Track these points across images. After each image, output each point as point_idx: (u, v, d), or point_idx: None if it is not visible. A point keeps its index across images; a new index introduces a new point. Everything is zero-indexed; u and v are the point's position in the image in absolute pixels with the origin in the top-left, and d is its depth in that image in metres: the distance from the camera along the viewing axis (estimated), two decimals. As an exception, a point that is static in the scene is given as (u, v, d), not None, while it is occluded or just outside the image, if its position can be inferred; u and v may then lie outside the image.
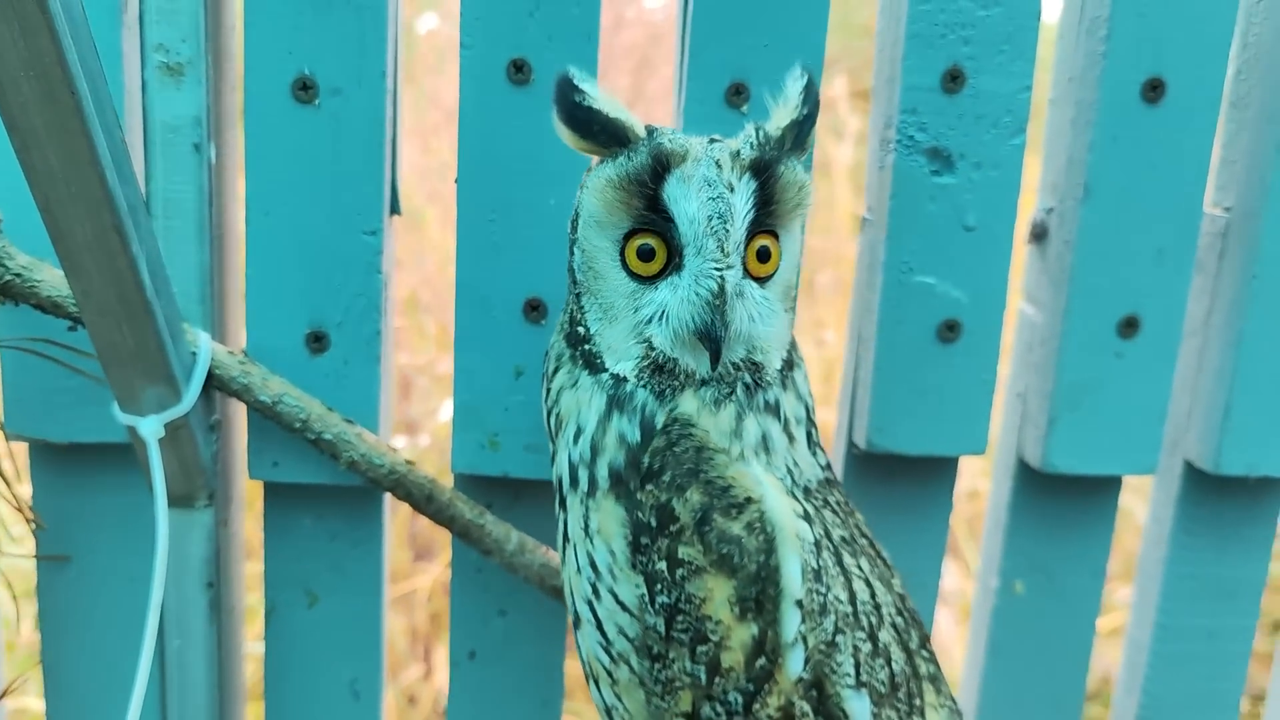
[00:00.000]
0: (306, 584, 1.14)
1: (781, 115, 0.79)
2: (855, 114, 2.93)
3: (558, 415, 0.86)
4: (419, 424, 2.57)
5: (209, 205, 1.01)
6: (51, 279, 0.93)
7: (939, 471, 1.16)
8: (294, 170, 1.00)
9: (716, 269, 0.75)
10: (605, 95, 0.77)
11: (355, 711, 1.18)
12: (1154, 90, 1.04)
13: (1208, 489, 1.20)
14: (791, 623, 0.77)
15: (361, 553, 1.14)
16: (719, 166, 0.76)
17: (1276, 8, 1.06)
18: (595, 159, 0.82)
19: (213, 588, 1.07)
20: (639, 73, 3.17)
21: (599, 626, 0.82)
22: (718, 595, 0.76)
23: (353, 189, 1.01)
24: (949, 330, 1.07)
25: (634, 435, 0.80)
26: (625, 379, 0.81)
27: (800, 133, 0.80)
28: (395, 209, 1.07)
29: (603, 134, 0.78)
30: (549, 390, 0.87)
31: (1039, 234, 1.14)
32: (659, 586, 0.77)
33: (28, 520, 1.07)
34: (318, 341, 1.04)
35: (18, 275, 0.92)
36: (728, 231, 0.75)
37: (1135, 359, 1.10)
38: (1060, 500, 1.20)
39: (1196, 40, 1.04)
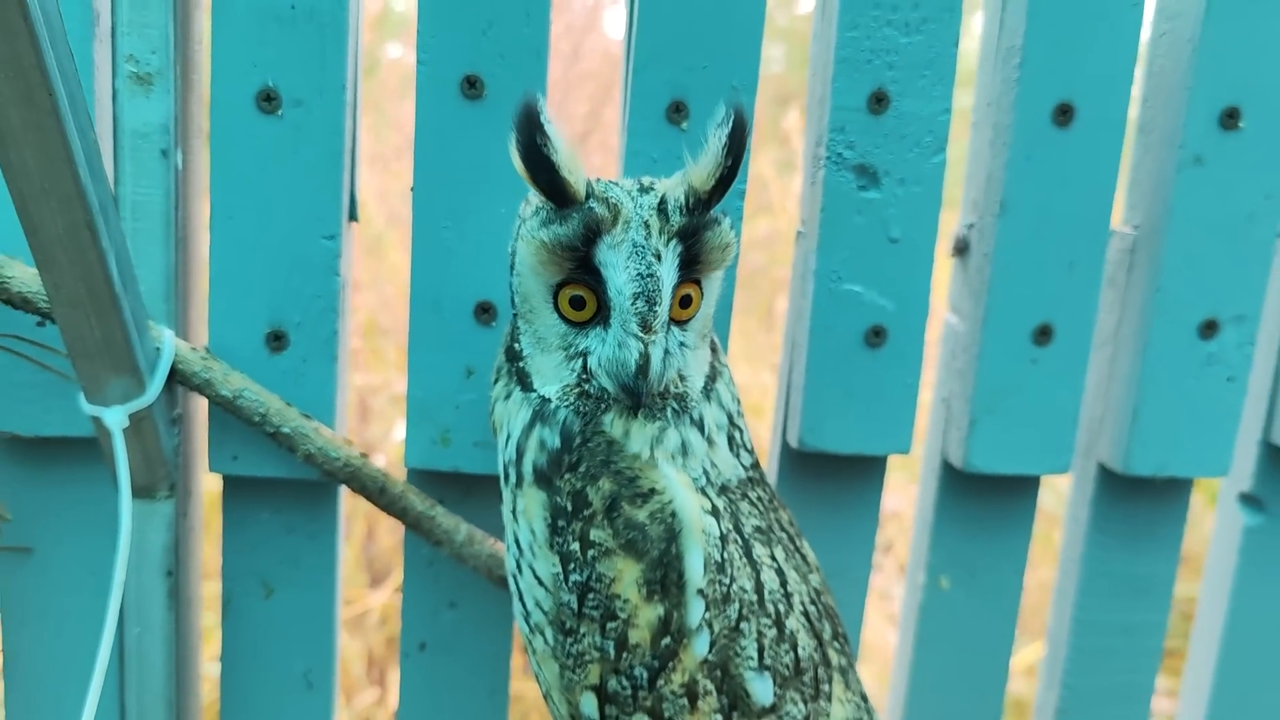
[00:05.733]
0: (263, 576, 1.19)
1: (708, 173, 0.79)
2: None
3: (494, 422, 0.92)
4: (376, 445, 2.61)
5: (175, 209, 1.06)
6: (21, 275, 0.98)
7: (868, 470, 1.22)
8: (257, 177, 1.05)
9: (639, 342, 0.79)
10: (564, 144, 0.77)
11: (309, 702, 1.22)
12: (1064, 114, 1.12)
13: (1120, 489, 1.27)
14: (696, 610, 0.83)
15: (317, 545, 1.18)
16: (647, 230, 0.79)
17: (1177, 42, 1.15)
18: (532, 196, 0.84)
19: (172, 576, 1.11)
20: (597, 100, 3.24)
21: (520, 599, 0.88)
22: (626, 576, 0.82)
23: (313, 195, 1.06)
24: (875, 336, 1.14)
25: (554, 441, 0.86)
26: (549, 399, 0.86)
27: (729, 175, 0.80)
28: (353, 215, 1.13)
29: (546, 183, 0.79)
30: (490, 396, 0.93)
31: (961, 248, 1.21)
32: (572, 565, 0.83)
33: (-7, 512, 1.11)
34: (277, 340, 1.09)
35: (-11, 271, 0.97)
36: (655, 313, 0.79)
37: (1049, 365, 1.18)
38: (982, 500, 1.27)
39: (1103, 69, 1.12)
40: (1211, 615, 1.36)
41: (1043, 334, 1.17)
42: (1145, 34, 1.16)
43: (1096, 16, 1.10)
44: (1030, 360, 1.18)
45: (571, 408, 0.85)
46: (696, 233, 0.80)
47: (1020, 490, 1.27)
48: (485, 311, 1.09)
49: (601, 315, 0.83)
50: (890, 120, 1.10)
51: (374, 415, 2.74)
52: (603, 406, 0.85)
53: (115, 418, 0.97)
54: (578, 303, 0.83)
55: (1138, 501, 1.28)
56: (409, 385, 1.11)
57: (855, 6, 1.08)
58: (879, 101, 1.10)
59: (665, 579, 0.82)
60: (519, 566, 0.88)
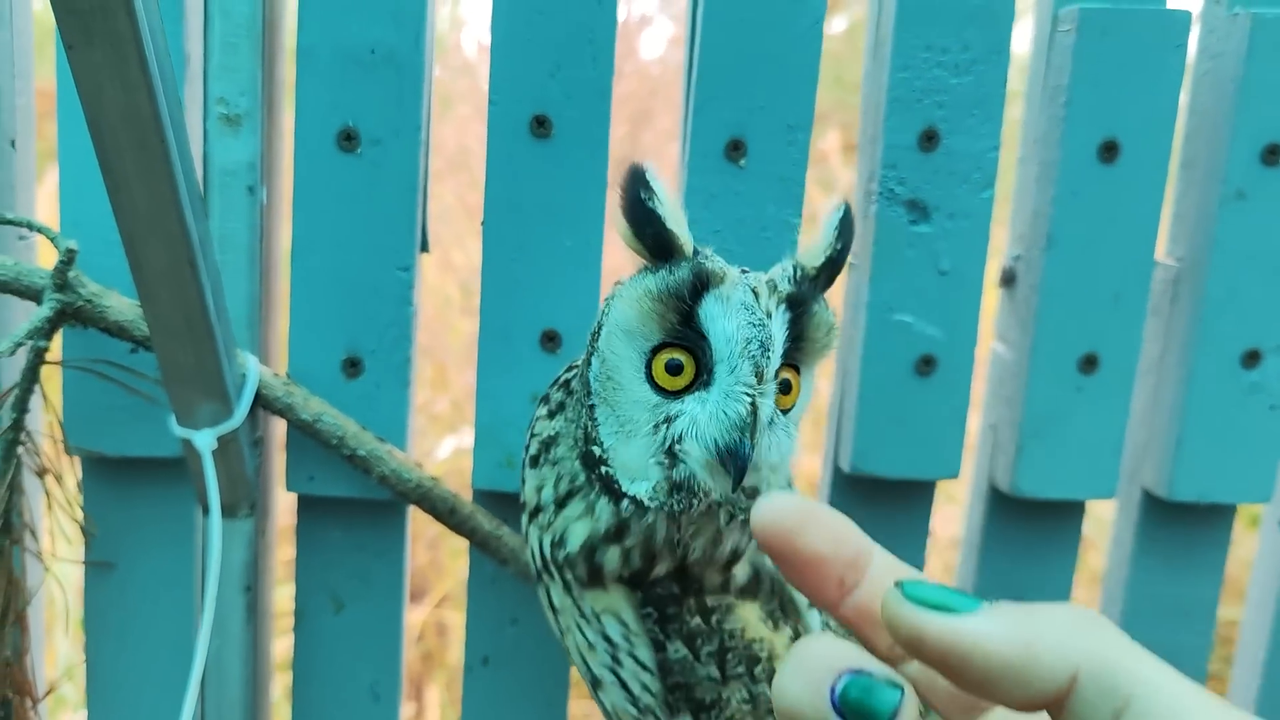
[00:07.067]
0: (333, 591, 1.24)
1: (817, 252, 0.78)
2: (847, 167, 3.06)
3: (554, 535, 0.85)
4: (420, 463, 2.66)
5: (259, 242, 1.12)
6: (118, 305, 1.03)
7: (917, 494, 1.26)
8: (336, 212, 1.11)
9: (749, 393, 0.74)
10: (670, 201, 0.75)
11: (375, 713, 1.27)
12: (1109, 151, 1.16)
13: (1163, 515, 1.30)
14: (813, 617, 0.86)
15: (385, 563, 1.23)
16: (756, 294, 0.76)
17: (1220, 80, 1.19)
18: (623, 276, 0.82)
19: (250, 592, 1.16)
20: (636, 123, 3.28)
21: (624, 686, 0.86)
22: (752, 618, 0.83)
23: (388, 229, 1.12)
24: (925, 365, 1.18)
25: (637, 560, 0.82)
26: (644, 504, 0.79)
27: (835, 266, 0.80)
28: (425, 247, 1.18)
29: (652, 240, 0.77)
30: (553, 511, 0.86)
31: (1008, 279, 1.25)
32: (700, 640, 0.82)
33: (82, 529, 1.16)
34: (353, 367, 1.14)
35: (88, 301, 1.02)
36: (767, 358, 0.74)
37: (1095, 393, 1.21)
38: (1028, 525, 1.30)
39: (1147, 107, 1.16)
40: (1254, 639, 1.39)
41: (1088, 363, 1.20)
42: (1188, 73, 1.20)
43: (1140, 56, 1.14)
44: (1076, 388, 1.21)
45: (664, 507, 0.78)
46: (804, 303, 0.77)
47: (1065, 515, 1.30)
48: (550, 339, 1.14)
49: (700, 381, 0.77)
50: (940, 157, 1.14)
51: (413, 434, 2.79)
52: (696, 501, 0.78)
53: (205, 440, 1.03)
54: (674, 367, 0.77)
55: (1181, 527, 1.31)
56: (477, 410, 1.16)
57: (907, 49, 1.12)
58: (929, 139, 1.14)
59: (781, 602, 0.85)
60: (616, 659, 0.86)
